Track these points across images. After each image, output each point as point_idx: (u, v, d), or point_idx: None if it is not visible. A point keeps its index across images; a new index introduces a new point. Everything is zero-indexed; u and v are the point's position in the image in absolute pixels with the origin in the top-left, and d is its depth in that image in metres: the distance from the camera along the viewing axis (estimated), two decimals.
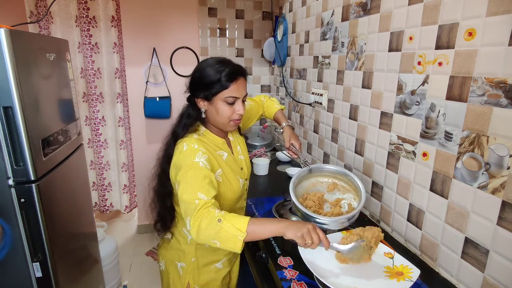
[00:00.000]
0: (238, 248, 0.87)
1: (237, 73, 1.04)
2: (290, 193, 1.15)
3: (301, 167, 1.30)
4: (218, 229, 0.86)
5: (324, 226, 1.08)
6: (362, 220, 1.38)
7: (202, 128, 1.13)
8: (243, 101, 1.10)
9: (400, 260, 0.93)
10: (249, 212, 1.41)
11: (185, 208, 0.93)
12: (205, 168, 0.98)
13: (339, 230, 1.05)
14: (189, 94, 1.13)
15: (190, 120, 1.10)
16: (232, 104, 1.06)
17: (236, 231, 0.86)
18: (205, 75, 1.04)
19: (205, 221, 0.87)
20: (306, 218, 1.11)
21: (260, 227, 0.88)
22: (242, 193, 1.21)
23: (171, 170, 1.05)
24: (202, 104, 1.08)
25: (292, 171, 1.88)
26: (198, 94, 1.07)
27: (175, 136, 1.09)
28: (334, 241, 0.93)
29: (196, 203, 0.90)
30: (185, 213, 0.94)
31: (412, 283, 0.84)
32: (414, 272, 0.87)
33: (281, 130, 1.39)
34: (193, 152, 1.00)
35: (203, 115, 1.10)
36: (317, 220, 1.07)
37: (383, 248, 0.99)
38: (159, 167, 1.14)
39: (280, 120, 1.41)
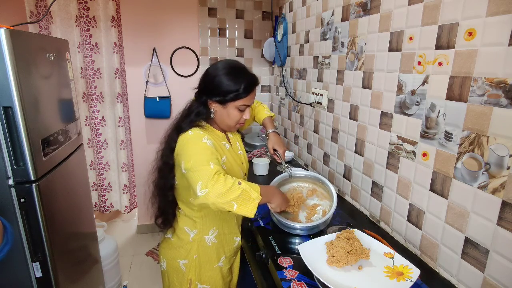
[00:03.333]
0: (253, 212, 0.95)
1: (254, 84, 1.12)
2: None
3: (282, 172, 1.37)
4: (239, 191, 0.93)
5: (297, 232, 1.20)
6: (362, 220, 1.38)
7: (204, 123, 1.16)
8: None
9: (400, 260, 0.93)
10: None
11: (196, 173, 0.96)
12: (212, 148, 1.04)
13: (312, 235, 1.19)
14: (198, 92, 1.15)
15: (199, 118, 1.14)
16: (243, 110, 1.13)
17: (254, 193, 0.95)
18: (224, 83, 1.08)
19: (227, 183, 0.93)
20: (280, 224, 1.21)
21: (265, 194, 1.01)
22: None
23: (177, 157, 1.07)
24: (214, 106, 1.12)
25: (292, 171, 1.87)
26: (212, 97, 1.11)
27: (179, 130, 1.11)
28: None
29: (211, 168, 0.95)
30: (195, 177, 0.95)
31: (412, 283, 0.84)
32: (414, 272, 0.87)
33: (267, 136, 1.43)
34: (199, 136, 1.06)
35: (212, 116, 1.15)
36: (291, 226, 1.16)
37: (383, 248, 0.99)
38: (160, 160, 1.16)
39: (266, 126, 1.46)
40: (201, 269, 1.18)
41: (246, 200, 0.94)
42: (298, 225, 1.16)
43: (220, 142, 1.14)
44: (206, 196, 0.92)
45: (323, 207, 1.28)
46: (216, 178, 0.93)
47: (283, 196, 1.13)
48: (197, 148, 1.01)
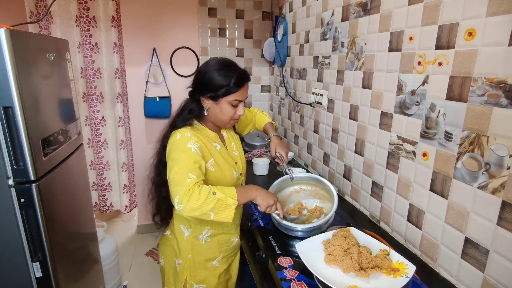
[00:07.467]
0: (231, 217, 0.98)
1: (244, 79, 1.13)
2: None
3: (284, 174, 1.37)
4: (214, 201, 0.95)
5: (299, 234, 1.18)
6: (362, 221, 1.38)
7: (196, 123, 1.18)
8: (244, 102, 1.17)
9: (395, 257, 0.93)
10: (249, 212, 1.41)
11: (175, 187, 0.98)
12: (197, 154, 1.05)
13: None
14: (192, 90, 1.17)
15: (191, 115, 1.16)
16: (235, 106, 1.13)
17: (229, 200, 0.98)
18: (215, 78, 1.10)
19: (202, 195, 0.95)
20: (280, 226, 1.20)
21: (243, 195, 1.04)
22: (235, 185, 1.22)
23: (166, 158, 1.09)
24: (207, 103, 1.14)
25: (293, 174, 1.87)
26: (205, 94, 1.13)
27: (173, 127, 1.14)
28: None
29: (188, 182, 0.97)
30: (174, 191, 0.98)
31: (408, 279, 0.84)
32: (410, 268, 0.87)
33: (269, 140, 1.45)
34: (186, 140, 1.06)
35: (206, 113, 1.16)
36: (293, 228, 1.16)
37: (378, 245, 0.99)
38: (156, 157, 1.19)
39: (268, 131, 1.49)
40: (196, 268, 1.19)
41: (222, 208, 0.97)
42: (298, 227, 1.15)
43: (209, 144, 1.15)
44: (181, 211, 0.96)
45: (324, 209, 1.28)
46: (191, 192, 0.95)
47: (264, 191, 1.10)
48: (181, 156, 1.03)
